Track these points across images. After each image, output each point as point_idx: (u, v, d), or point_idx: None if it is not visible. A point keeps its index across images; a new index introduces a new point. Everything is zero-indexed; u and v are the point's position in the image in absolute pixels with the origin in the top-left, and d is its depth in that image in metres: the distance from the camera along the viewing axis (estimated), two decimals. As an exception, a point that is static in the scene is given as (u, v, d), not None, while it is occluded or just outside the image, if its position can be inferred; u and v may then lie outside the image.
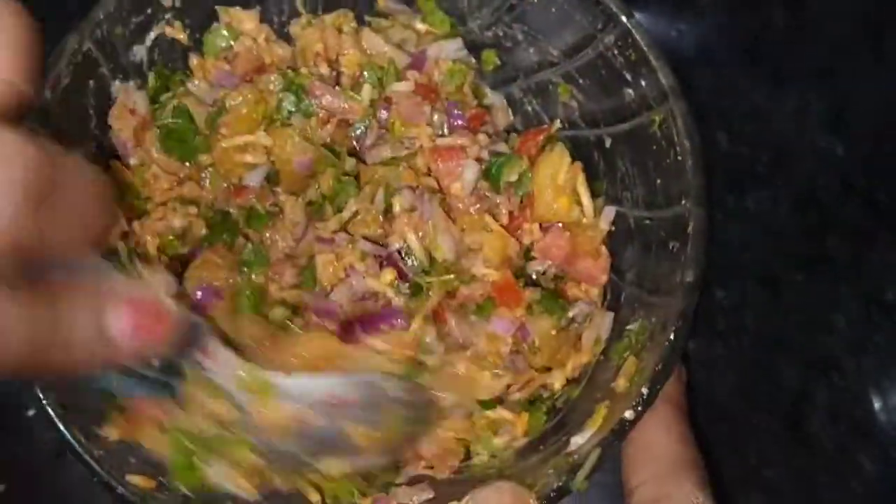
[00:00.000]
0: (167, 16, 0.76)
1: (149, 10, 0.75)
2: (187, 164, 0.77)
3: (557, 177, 0.74)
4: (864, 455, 0.87)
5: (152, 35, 0.76)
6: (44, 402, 0.64)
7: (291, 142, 0.74)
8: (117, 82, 0.76)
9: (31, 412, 0.87)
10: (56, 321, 0.39)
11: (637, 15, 0.70)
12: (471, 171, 0.73)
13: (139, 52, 0.76)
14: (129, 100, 0.76)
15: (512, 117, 0.83)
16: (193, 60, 0.79)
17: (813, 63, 0.98)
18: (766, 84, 0.97)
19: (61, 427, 0.64)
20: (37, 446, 0.86)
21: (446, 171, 0.74)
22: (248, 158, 0.75)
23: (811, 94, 0.97)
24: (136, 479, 0.64)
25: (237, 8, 0.79)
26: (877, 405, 0.88)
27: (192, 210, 0.75)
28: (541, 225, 0.75)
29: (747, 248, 0.92)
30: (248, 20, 0.79)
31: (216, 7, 0.79)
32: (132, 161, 0.77)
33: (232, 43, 0.79)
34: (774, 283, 0.92)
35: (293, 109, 0.75)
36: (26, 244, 0.35)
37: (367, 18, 0.82)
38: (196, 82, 0.79)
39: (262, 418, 0.58)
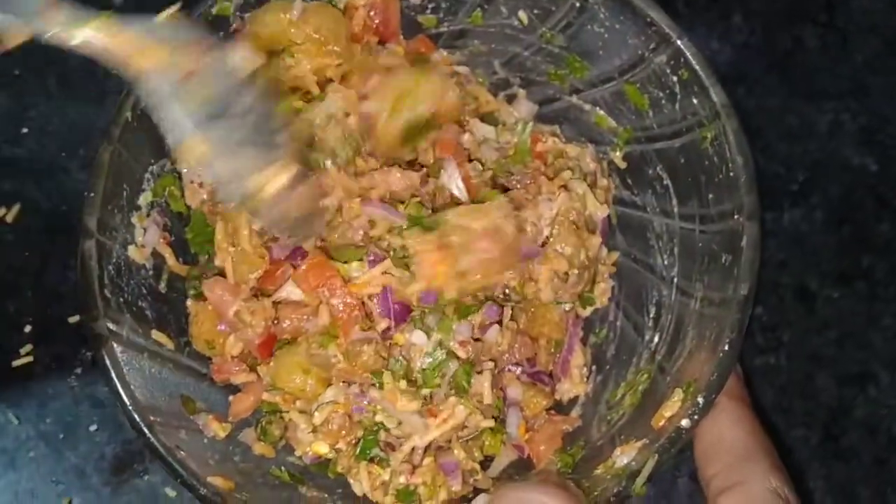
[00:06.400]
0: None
1: (221, 34, 0.77)
2: None
3: None
4: (903, 467, 0.88)
5: None
6: (129, 405, 0.66)
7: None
8: None
9: (93, 427, 0.89)
10: None
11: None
12: None
13: None
14: (192, 176, 0.80)
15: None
16: None
17: (845, 81, 1.00)
18: (799, 103, 0.99)
19: (146, 430, 0.65)
20: (98, 462, 0.88)
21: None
22: None
23: (844, 112, 0.99)
24: (216, 480, 0.66)
25: None
26: (913, 417, 0.89)
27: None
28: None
29: (784, 265, 0.94)
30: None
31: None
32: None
33: None
34: (811, 299, 0.93)
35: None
36: None
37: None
38: None
39: None
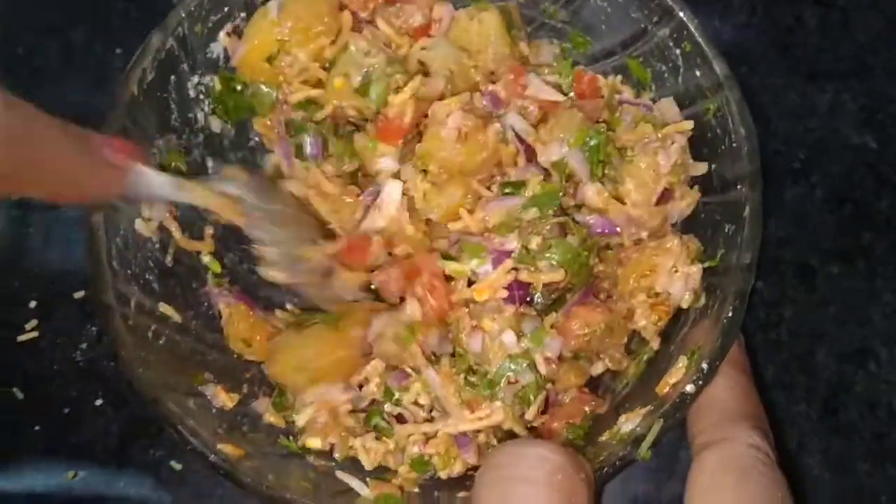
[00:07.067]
0: (242, 14, 0.79)
1: (226, 8, 0.78)
2: None
3: None
4: (902, 442, 0.88)
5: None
6: (139, 373, 0.66)
7: None
8: (196, 78, 0.79)
9: (98, 402, 0.89)
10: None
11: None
12: None
13: (216, 48, 0.79)
14: None
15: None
16: (256, 125, 0.82)
17: (846, 60, 1.00)
18: (800, 81, 1.00)
19: (157, 398, 0.65)
20: (104, 437, 0.88)
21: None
22: None
23: (845, 91, 0.99)
24: (226, 448, 0.67)
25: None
26: (913, 393, 0.90)
27: None
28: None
29: (785, 242, 0.94)
30: None
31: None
32: None
33: (275, 94, 0.80)
34: (811, 276, 0.93)
35: None
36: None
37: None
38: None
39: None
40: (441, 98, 0.76)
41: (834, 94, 0.99)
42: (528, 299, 0.73)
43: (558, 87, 0.80)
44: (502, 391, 0.70)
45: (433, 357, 0.73)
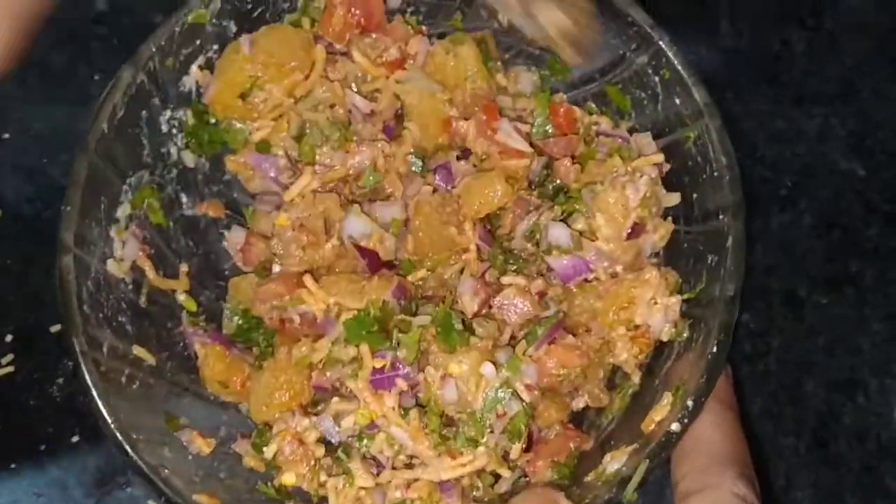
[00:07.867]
0: (215, 46, 0.77)
1: (197, 42, 0.76)
2: None
3: None
4: (891, 475, 0.87)
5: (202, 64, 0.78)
6: (111, 423, 0.64)
7: None
8: (168, 112, 0.77)
9: (75, 438, 0.87)
10: None
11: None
12: None
13: (188, 82, 0.78)
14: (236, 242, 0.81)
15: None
16: (228, 163, 0.81)
17: (833, 85, 1.00)
18: (787, 107, 0.99)
19: (128, 449, 0.64)
20: (80, 474, 0.87)
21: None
22: None
23: (832, 116, 0.98)
24: (202, 498, 0.65)
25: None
26: (902, 425, 0.88)
27: None
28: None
29: (772, 270, 0.94)
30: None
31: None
32: None
33: (248, 130, 0.79)
34: (799, 305, 0.92)
35: None
36: None
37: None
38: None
39: None
40: (415, 146, 0.77)
41: (822, 119, 0.99)
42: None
43: (528, 137, 0.78)
44: (492, 426, 0.68)
45: (402, 412, 0.70)
